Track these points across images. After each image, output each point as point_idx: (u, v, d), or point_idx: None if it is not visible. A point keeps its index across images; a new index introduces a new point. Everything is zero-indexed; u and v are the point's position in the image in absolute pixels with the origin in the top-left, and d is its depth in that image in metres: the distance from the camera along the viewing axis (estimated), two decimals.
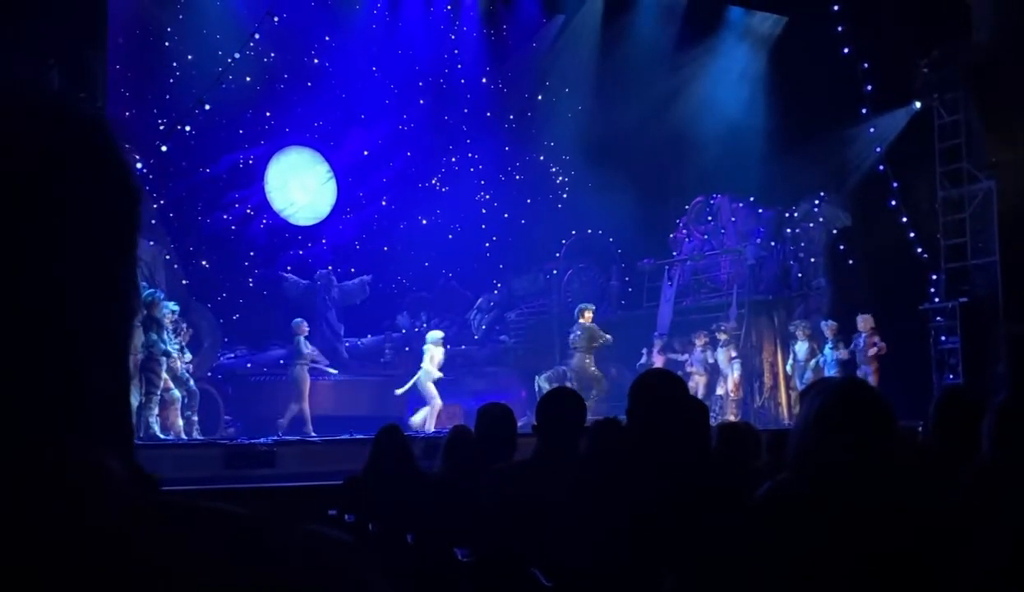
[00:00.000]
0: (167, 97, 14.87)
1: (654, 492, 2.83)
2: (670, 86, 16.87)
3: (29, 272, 0.58)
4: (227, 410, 13.65)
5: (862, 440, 2.18)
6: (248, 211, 16.81)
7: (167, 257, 14.09)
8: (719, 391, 14.68)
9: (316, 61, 16.82)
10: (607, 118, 16.62)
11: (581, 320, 14.18)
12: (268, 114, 16.70)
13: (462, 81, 17.70)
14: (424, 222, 17.90)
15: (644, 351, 15.48)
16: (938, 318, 14.56)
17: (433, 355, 13.54)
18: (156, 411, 10.95)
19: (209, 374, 13.91)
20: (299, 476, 9.72)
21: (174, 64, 15.11)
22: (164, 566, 0.56)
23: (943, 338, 14.44)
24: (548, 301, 17.86)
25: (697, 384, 14.56)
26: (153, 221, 14.30)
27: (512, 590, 3.24)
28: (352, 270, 17.06)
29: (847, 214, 16.04)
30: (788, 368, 14.86)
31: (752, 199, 16.97)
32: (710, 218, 17.69)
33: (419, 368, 13.58)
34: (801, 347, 14.28)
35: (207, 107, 13.86)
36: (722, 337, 14.82)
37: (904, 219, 14.84)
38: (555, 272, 18.00)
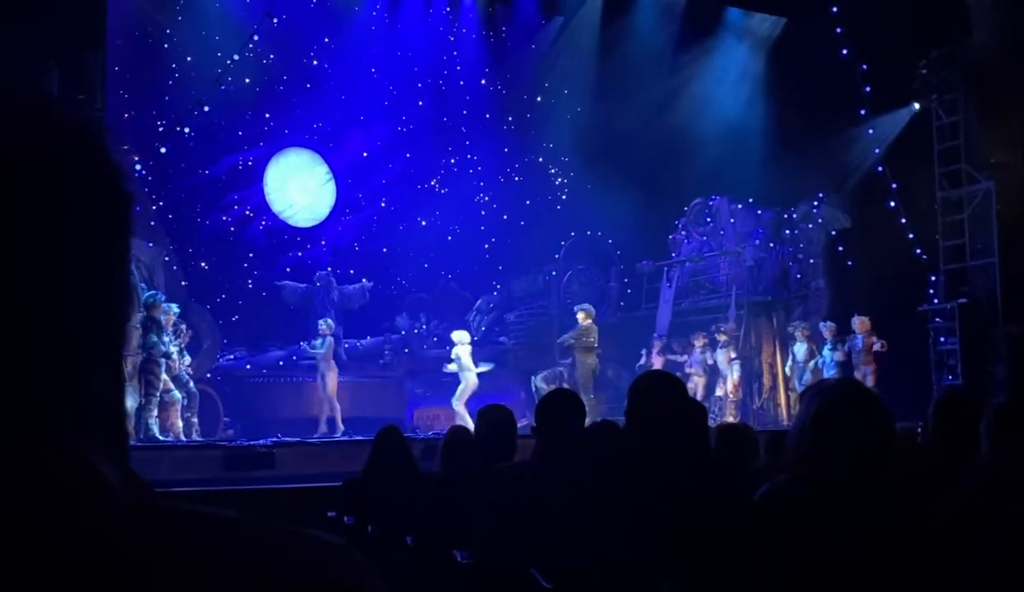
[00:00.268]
0: (166, 99, 14.87)
1: (653, 494, 2.83)
2: (669, 87, 16.89)
3: (23, 273, 0.58)
4: (226, 412, 13.64)
5: (860, 441, 2.18)
6: (247, 212, 16.80)
7: (166, 258, 14.08)
8: (718, 392, 14.68)
9: (315, 62, 16.82)
10: (606, 120, 16.64)
11: (578, 321, 14.19)
12: (267, 115, 16.70)
13: (461, 83, 17.71)
14: (423, 223, 17.90)
15: (643, 352, 15.49)
16: (937, 319, 14.57)
17: (463, 356, 13.52)
18: (155, 412, 10.95)
19: (208, 376, 13.90)
20: (298, 478, 9.72)
21: (173, 66, 15.11)
22: (157, 571, 0.56)
23: (942, 339, 14.44)
24: (547, 302, 17.87)
25: (696, 385, 14.56)
26: (152, 222, 14.30)
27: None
28: (351, 271, 17.05)
29: (846, 215, 16.05)
30: (787, 369, 14.87)
31: (751, 200, 16.98)
32: (709, 219, 17.70)
33: (461, 375, 13.52)
34: (800, 348, 14.29)
35: (206, 109, 13.87)
36: (721, 338, 14.82)
37: (903, 220, 14.84)
38: (554, 274, 18.00)
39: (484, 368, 13.63)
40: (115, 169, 0.65)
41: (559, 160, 18.31)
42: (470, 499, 3.78)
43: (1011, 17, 13.42)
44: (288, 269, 16.79)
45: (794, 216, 16.60)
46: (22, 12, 9.34)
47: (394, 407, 14.20)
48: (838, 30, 14.82)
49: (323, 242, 17.38)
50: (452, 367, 13.51)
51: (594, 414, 12.14)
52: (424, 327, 17.56)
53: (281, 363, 15.82)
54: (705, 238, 17.61)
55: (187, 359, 12.08)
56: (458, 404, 13.11)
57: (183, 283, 14.60)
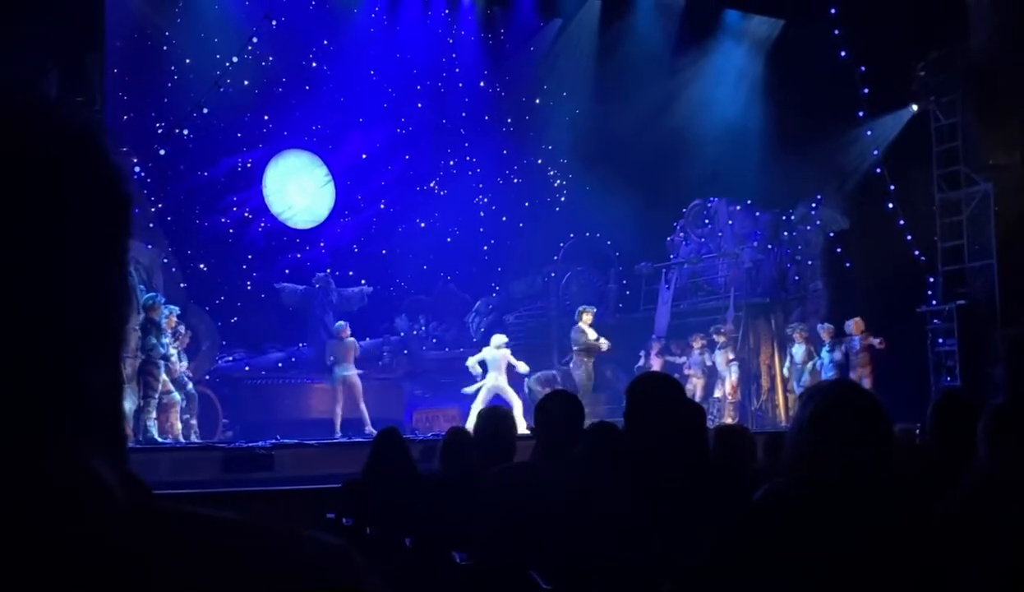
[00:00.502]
0: (165, 100, 14.87)
1: (652, 495, 2.83)
2: (667, 89, 16.89)
3: (23, 274, 0.58)
4: (225, 413, 13.64)
5: (857, 442, 2.18)
6: (246, 214, 16.80)
7: (165, 260, 14.08)
8: (717, 394, 14.68)
9: (314, 65, 16.82)
10: (605, 121, 16.64)
11: (579, 323, 14.17)
12: (266, 117, 16.69)
13: (460, 85, 17.72)
14: (422, 225, 17.90)
15: (642, 354, 15.49)
16: (935, 320, 14.57)
17: (500, 359, 13.47)
18: (154, 414, 10.95)
19: (207, 377, 13.90)
20: (297, 479, 9.71)
21: (172, 68, 15.10)
22: (157, 572, 0.56)
23: (940, 340, 14.45)
24: (546, 304, 17.88)
25: (695, 387, 14.57)
26: (151, 224, 14.29)
27: None
28: (350, 273, 17.06)
29: (844, 217, 16.05)
30: (785, 370, 14.88)
31: (749, 202, 16.99)
32: (707, 221, 17.71)
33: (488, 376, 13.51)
34: (798, 350, 14.31)
35: (205, 110, 13.87)
36: (720, 339, 14.82)
37: (901, 222, 14.85)
38: (553, 275, 18.01)
39: (523, 368, 13.59)
40: (114, 170, 0.65)
41: (558, 162, 18.31)
42: (469, 500, 3.78)
43: (1010, 19, 13.43)
44: (287, 271, 16.78)
45: (792, 218, 16.61)
46: (21, 13, 9.34)
47: (393, 408, 14.20)
48: (836, 32, 14.82)
49: (322, 244, 17.37)
50: (474, 364, 13.39)
51: (596, 415, 12.17)
52: (423, 328, 17.57)
53: (280, 365, 15.82)
54: (703, 240, 17.63)
55: (185, 364, 12.09)
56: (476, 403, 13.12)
57: (182, 285, 14.60)
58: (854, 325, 13.62)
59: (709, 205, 17.60)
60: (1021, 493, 2.86)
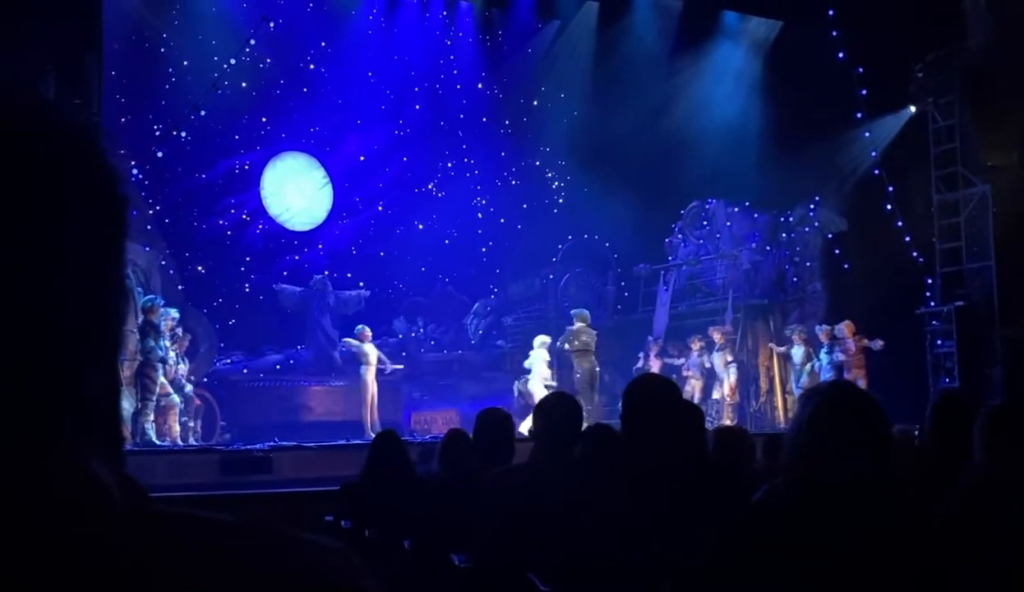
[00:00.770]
0: (163, 103, 14.87)
1: (651, 497, 2.83)
2: (665, 91, 16.90)
3: (20, 275, 0.58)
4: (223, 416, 13.63)
5: (855, 443, 2.18)
6: (244, 216, 16.80)
7: (163, 263, 14.08)
8: (715, 395, 14.69)
9: (312, 67, 16.82)
10: (603, 123, 16.64)
11: (577, 323, 14.19)
12: (264, 120, 16.69)
13: (458, 87, 17.73)
14: (420, 227, 17.90)
15: (640, 355, 15.49)
16: (934, 322, 14.59)
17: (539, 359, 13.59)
18: (152, 417, 10.94)
19: (205, 380, 13.90)
20: (295, 482, 9.71)
21: (170, 70, 15.10)
22: (154, 574, 0.56)
23: (939, 342, 14.46)
24: (545, 306, 17.88)
25: (693, 388, 14.58)
26: (149, 226, 14.28)
27: None
28: (348, 275, 17.05)
29: (842, 218, 16.06)
30: (776, 347, 15.01)
31: (747, 204, 17.00)
32: (705, 223, 17.72)
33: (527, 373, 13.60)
34: (797, 352, 14.32)
35: (203, 113, 13.86)
36: (718, 340, 14.82)
37: (899, 223, 14.86)
38: (551, 277, 18.01)
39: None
40: (111, 172, 0.65)
41: (556, 164, 18.32)
42: (468, 503, 3.77)
43: (1006, 21, 13.46)
44: (285, 273, 16.78)
45: (790, 219, 16.62)
46: (19, 16, 9.34)
47: (391, 411, 14.18)
48: (834, 33, 14.84)
49: (320, 246, 17.37)
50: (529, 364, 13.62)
51: (598, 417, 12.22)
52: (421, 331, 17.57)
53: (278, 367, 15.82)
54: (701, 241, 17.64)
55: (183, 366, 12.09)
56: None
57: (179, 287, 14.60)
58: (845, 328, 13.65)
59: (707, 207, 17.61)
60: (1019, 493, 2.86)
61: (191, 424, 12.03)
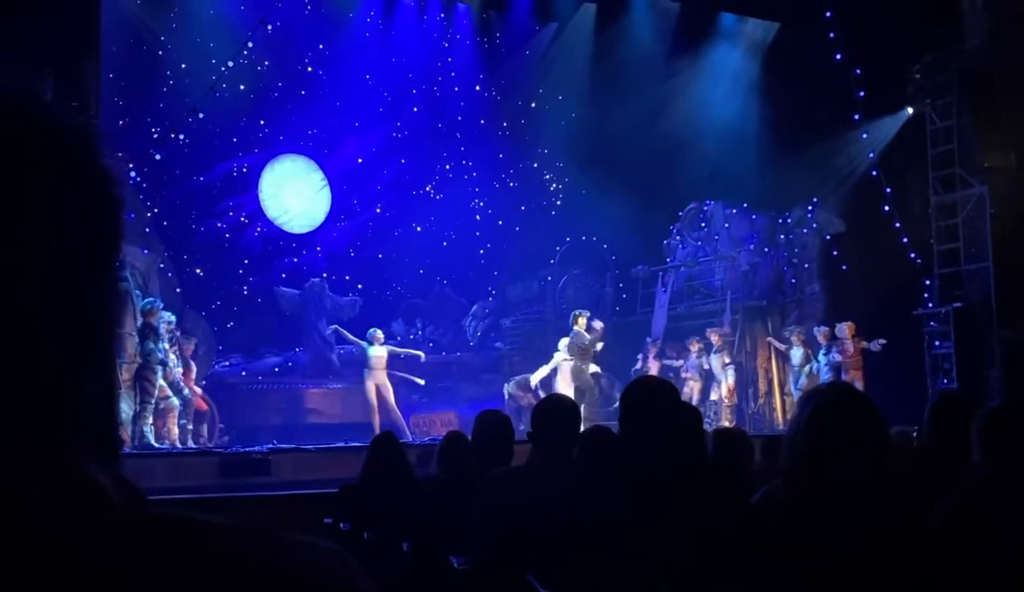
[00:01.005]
0: (161, 105, 14.86)
1: (650, 498, 2.83)
2: (663, 92, 16.90)
3: (12, 277, 0.58)
4: (221, 418, 13.62)
5: (853, 444, 2.18)
6: (242, 219, 16.80)
7: (161, 265, 14.07)
8: (713, 397, 14.69)
9: (310, 69, 16.82)
10: (601, 125, 16.65)
11: (575, 326, 14.18)
12: (262, 122, 16.68)
13: (456, 89, 17.72)
14: (418, 229, 17.89)
15: (639, 357, 15.49)
16: (932, 323, 14.60)
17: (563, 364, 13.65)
18: (151, 420, 10.93)
19: (204, 382, 13.89)
20: (294, 484, 9.70)
21: (168, 72, 15.09)
22: (151, 577, 0.56)
23: (937, 343, 14.47)
24: (543, 308, 17.88)
25: (692, 390, 14.58)
26: (147, 229, 14.28)
27: None
28: (347, 278, 17.05)
29: (840, 220, 16.07)
30: (779, 346, 15.00)
31: (745, 205, 17.01)
32: (703, 224, 17.73)
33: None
34: (795, 353, 14.33)
35: (201, 115, 13.86)
36: (715, 341, 14.82)
37: (897, 225, 14.87)
38: (550, 279, 18.01)
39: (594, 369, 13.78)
40: (104, 174, 0.65)
41: (554, 165, 18.32)
42: (466, 505, 3.77)
43: (1004, 22, 13.47)
44: (283, 275, 16.77)
45: (788, 221, 16.63)
46: (17, 19, 9.33)
47: (388, 413, 14.16)
48: (832, 35, 14.85)
49: (318, 248, 17.36)
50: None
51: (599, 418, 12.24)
52: (420, 333, 17.55)
53: (277, 369, 15.81)
54: (700, 243, 17.65)
55: (189, 369, 12.12)
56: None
57: (177, 290, 14.59)
58: (847, 329, 13.65)
59: (705, 208, 17.62)
60: (1017, 495, 2.86)
61: (189, 427, 12.01)
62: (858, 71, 14.84)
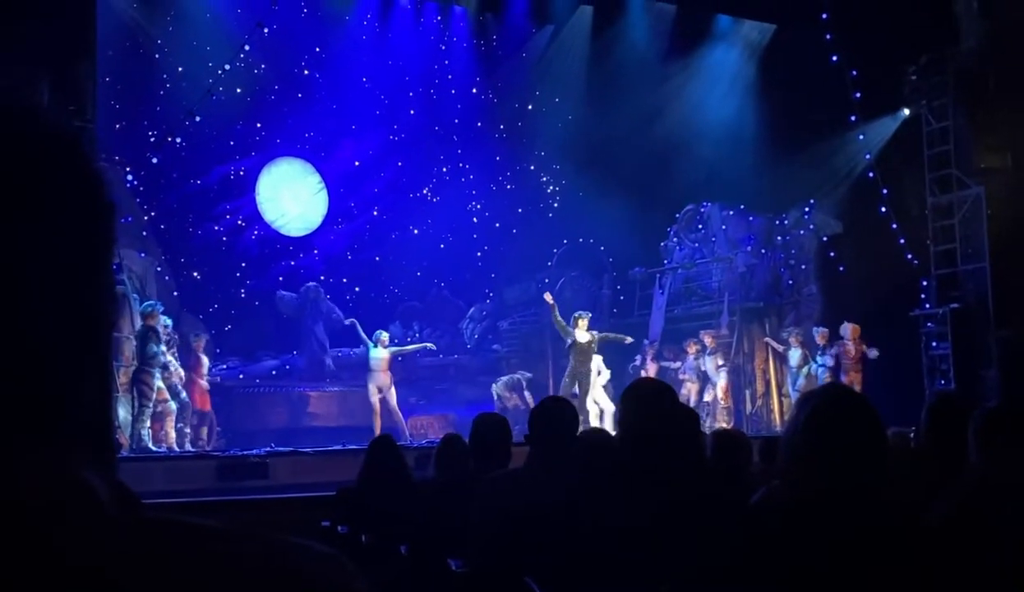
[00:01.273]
0: (157, 109, 14.84)
1: (648, 500, 2.83)
2: (660, 94, 16.92)
3: (6, 281, 0.58)
4: (218, 422, 13.61)
5: (850, 445, 2.19)
6: (239, 222, 16.79)
7: (158, 269, 14.05)
8: (707, 398, 14.67)
9: (306, 72, 16.82)
10: (597, 127, 16.65)
11: (575, 328, 14.15)
12: (259, 125, 16.68)
13: (452, 91, 17.72)
14: (415, 232, 17.90)
15: (637, 358, 15.49)
16: (929, 324, 14.62)
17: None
18: (148, 423, 10.92)
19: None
20: (292, 487, 9.69)
21: (164, 76, 15.09)
22: (146, 582, 0.56)
23: (934, 344, 14.49)
24: (540, 310, 17.84)
25: (689, 392, 14.58)
26: (144, 233, 14.27)
27: None
28: (344, 280, 17.05)
29: (837, 221, 16.10)
30: (777, 347, 14.98)
31: (742, 207, 17.02)
32: (700, 226, 17.74)
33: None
34: (794, 354, 14.33)
35: (197, 118, 13.84)
36: (708, 342, 14.82)
37: (894, 226, 14.89)
38: (547, 281, 17.97)
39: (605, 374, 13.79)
40: (95, 177, 0.65)
41: (551, 168, 18.33)
42: (464, 507, 3.77)
43: (999, 23, 13.51)
44: (280, 278, 16.77)
45: (785, 222, 16.65)
46: (13, 22, 9.32)
47: (386, 416, 14.15)
48: (828, 37, 14.87)
49: (315, 251, 17.36)
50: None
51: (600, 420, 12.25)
52: (417, 335, 17.54)
53: (274, 373, 15.81)
54: (697, 245, 17.66)
55: (179, 373, 12.10)
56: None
57: (175, 293, 14.58)
58: (851, 330, 13.63)
59: (702, 210, 17.64)
60: (1015, 496, 2.86)
61: (186, 430, 12.00)
62: (854, 73, 14.86)
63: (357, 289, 17.08)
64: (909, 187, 15.17)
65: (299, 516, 7.60)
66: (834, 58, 14.88)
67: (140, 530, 0.59)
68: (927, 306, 14.67)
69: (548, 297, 13.92)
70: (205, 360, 12.74)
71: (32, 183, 0.60)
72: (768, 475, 4.04)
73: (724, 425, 12.97)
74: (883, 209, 15.00)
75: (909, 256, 14.83)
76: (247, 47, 14.06)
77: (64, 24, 10.44)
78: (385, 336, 13.64)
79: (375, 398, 13.18)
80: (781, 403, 15.23)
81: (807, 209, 16.33)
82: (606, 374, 13.70)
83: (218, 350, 15.47)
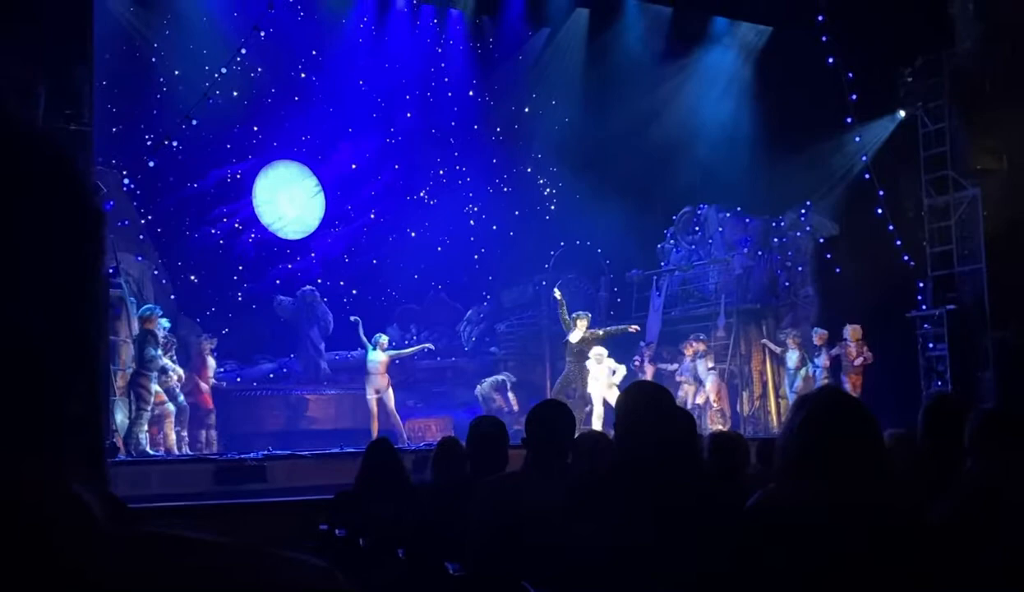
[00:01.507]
0: (154, 112, 14.84)
1: (645, 503, 2.83)
2: (656, 97, 16.92)
3: None
4: (216, 425, 13.59)
5: (846, 447, 2.19)
6: (236, 225, 16.77)
7: (155, 272, 14.04)
8: (698, 399, 14.67)
9: (303, 75, 16.81)
10: (594, 129, 16.66)
11: (576, 329, 14.13)
12: (256, 128, 16.67)
13: (449, 94, 17.72)
14: (413, 235, 17.89)
15: (635, 359, 15.49)
16: (925, 325, 14.63)
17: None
18: (146, 427, 10.91)
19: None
20: (289, 491, 9.69)
21: (161, 79, 15.08)
22: None
23: (931, 345, 14.50)
24: (537, 312, 17.86)
25: (686, 394, 14.59)
26: (141, 236, 14.26)
27: None
28: (341, 283, 17.03)
29: (833, 223, 16.11)
30: (775, 349, 14.97)
31: (739, 209, 17.04)
32: (697, 228, 17.75)
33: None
34: (791, 356, 14.34)
35: (194, 122, 13.83)
36: (700, 347, 14.84)
37: (890, 227, 14.91)
38: (544, 283, 17.99)
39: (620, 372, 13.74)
40: (85, 186, 0.64)
41: (548, 170, 18.33)
42: (461, 511, 3.77)
43: (994, 25, 13.53)
44: (278, 281, 16.75)
45: (782, 224, 16.66)
46: (11, 23, 9.31)
47: (383, 418, 14.15)
48: (824, 39, 14.89)
49: (313, 254, 17.35)
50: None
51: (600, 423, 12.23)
52: (414, 338, 17.54)
53: (271, 376, 15.79)
54: (694, 247, 17.67)
55: (177, 375, 12.09)
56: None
57: (172, 296, 14.57)
58: (851, 331, 13.64)
59: (699, 212, 17.65)
60: (1012, 496, 2.87)
61: (183, 434, 11.99)
62: (850, 75, 14.88)
63: (354, 292, 17.07)
64: (905, 189, 15.19)
65: (297, 519, 7.60)
66: (830, 60, 14.90)
67: (133, 546, 0.58)
68: (923, 307, 14.68)
69: (557, 293, 13.91)
70: (212, 362, 12.77)
71: (22, 195, 0.59)
72: (765, 477, 4.05)
73: (718, 427, 12.98)
74: (879, 211, 15.01)
75: (905, 258, 14.85)
76: (243, 50, 14.06)
77: (61, 28, 10.43)
78: (384, 339, 13.67)
79: (373, 401, 13.20)
80: (778, 405, 15.24)
81: (803, 211, 16.35)
82: (621, 372, 13.60)
83: (215, 353, 15.46)
